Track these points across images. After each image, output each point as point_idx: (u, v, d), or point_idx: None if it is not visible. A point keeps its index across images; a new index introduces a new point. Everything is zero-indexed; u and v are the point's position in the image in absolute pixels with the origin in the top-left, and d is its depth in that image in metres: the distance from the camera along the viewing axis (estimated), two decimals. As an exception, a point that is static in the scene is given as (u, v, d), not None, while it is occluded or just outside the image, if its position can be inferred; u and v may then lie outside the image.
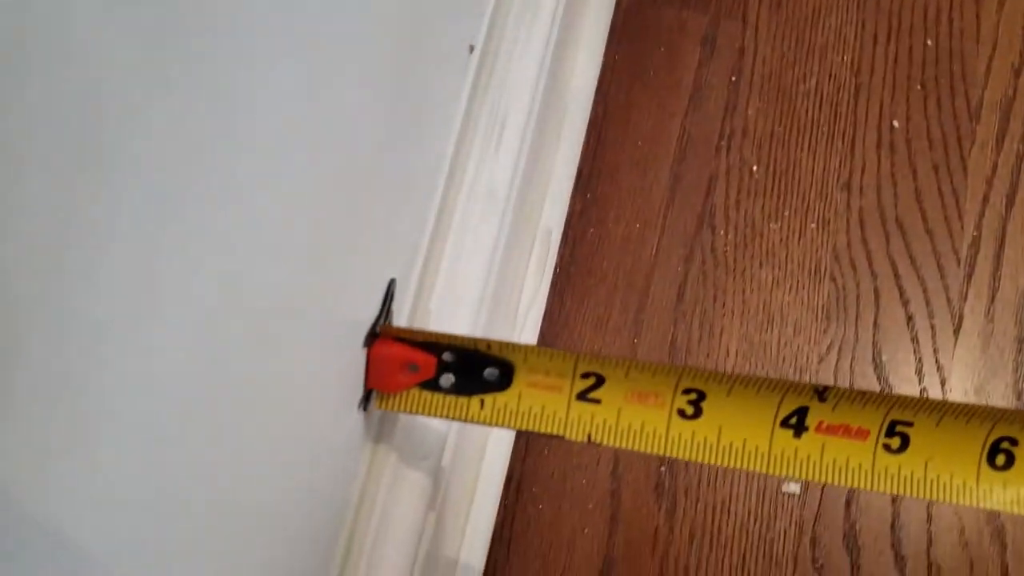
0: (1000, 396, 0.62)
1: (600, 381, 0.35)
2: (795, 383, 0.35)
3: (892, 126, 0.67)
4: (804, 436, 0.35)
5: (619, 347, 0.62)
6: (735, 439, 0.35)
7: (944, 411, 0.36)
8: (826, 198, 0.66)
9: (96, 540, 0.19)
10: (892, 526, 0.58)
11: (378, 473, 0.38)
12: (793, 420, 0.36)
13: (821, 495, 0.59)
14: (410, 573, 0.40)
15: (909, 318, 0.63)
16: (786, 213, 0.66)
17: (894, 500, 0.59)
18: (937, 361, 0.62)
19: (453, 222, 0.40)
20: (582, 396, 0.35)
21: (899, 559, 0.57)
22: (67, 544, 0.17)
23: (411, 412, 0.35)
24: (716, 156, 0.66)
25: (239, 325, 0.25)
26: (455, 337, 0.34)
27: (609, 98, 0.67)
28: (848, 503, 0.58)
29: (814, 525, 0.58)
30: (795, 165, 0.66)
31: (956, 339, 0.63)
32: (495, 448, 0.56)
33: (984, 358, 0.62)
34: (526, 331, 0.58)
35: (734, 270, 0.64)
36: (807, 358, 0.62)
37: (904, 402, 0.35)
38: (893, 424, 0.35)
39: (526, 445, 0.59)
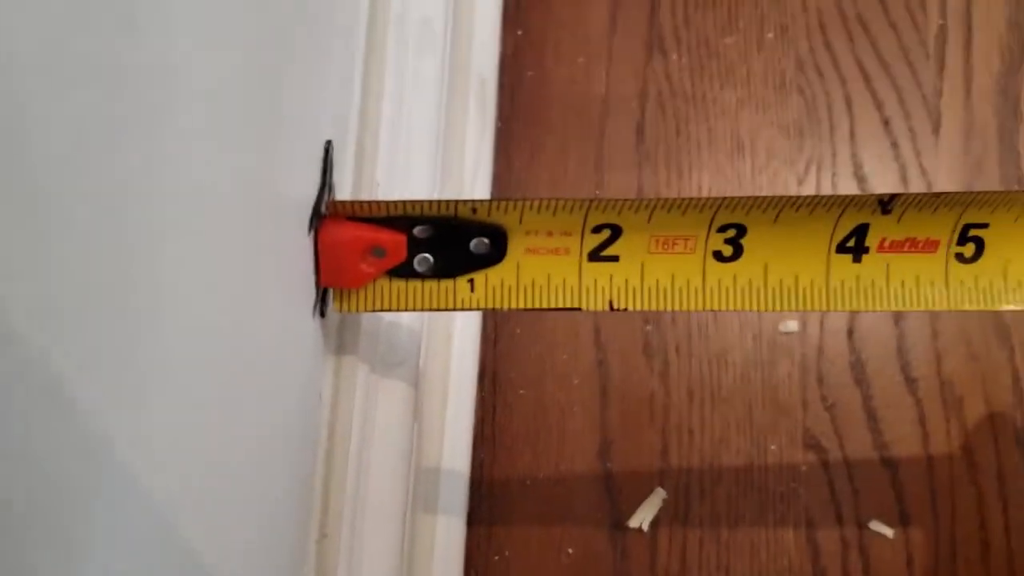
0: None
1: (616, 233, 0.28)
2: (855, 197, 0.28)
3: (840, -90, 0.60)
4: (865, 259, 0.29)
5: (579, 202, 0.54)
6: (785, 275, 0.29)
7: None
8: (780, 2, 0.59)
9: None
10: (898, 350, 0.53)
11: (348, 394, 0.30)
12: (851, 242, 0.29)
13: (821, 329, 0.54)
14: (405, 500, 0.33)
15: (886, 122, 0.57)
16: (740, 25, 0.58)
17: (897, 322, 0.54)
18: (921, 164, 0.57)
19: (387, 60, 0.31)
20: (595, 255, 0.28)
21: (910, 382, 0.53)
22: None
23: (382, 310, 0.28)
24: (655, -31, 0.58)
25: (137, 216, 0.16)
26: (428, 204, 0.26)
27: (524, -84, 0.58)
28: (850, 332, 0.53)
29: (818, 362, 0.53)
30: (744, -32, 0.58)
31: (937, 139, 0.57)
32: (463, 335, 0.49)
33: (968, 155, 0.57)
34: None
35: (694, 96, 0.57)
36: (785, 181, 0.56)
37: (980, 199, 0.29)
38: (966, 228, 0.29)
39: (495, 327, 0.52)
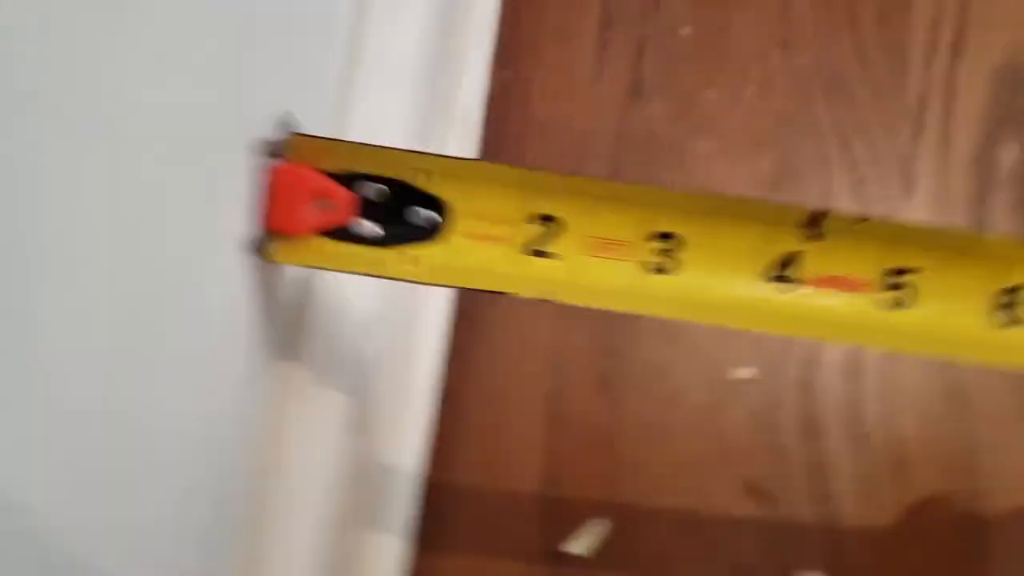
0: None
1: (555, 229, 0.29)
2: (787, 208, 0.29)
3: (827, -22, 0.62)
4: (795, 288, 0.30)
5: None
6: (721, 291, 0.29)
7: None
8: (763, 59, 0.60)
9: None
10: (851, 404, 0.54)
11: (286, 404, 0.30)
12: (784, 271, 0.30)
13: (776, 377, 0.54)
14: (343, 517, 0.32)
15: (860, 183, 0.58)
16: (722, 79, 0.60)
17: (855, 378, 0.54)
18: (891, 228, 0.58)
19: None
20: (535, 251, 0.29)
21: (859, 438, 0.53)
22: None
23: (319, 267, 0.28)
24: (643, 20, 0.60)
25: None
26: (386, 155, 0.27)
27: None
28: (805, 384, 0.54)
29: (769, 411, 0.53)
30: (728, 24, 0.60)
31: (910, 203, 0.58)
32: (419, 353, 0.49)
33: (942, 222, 0.58)
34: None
35: (671, 144, 0.58)
36: (754, 234, 0.57)
37: (912, 237, 0.29)
38: (898, 272, 0.30)
39: (454, 346, 0.53)
